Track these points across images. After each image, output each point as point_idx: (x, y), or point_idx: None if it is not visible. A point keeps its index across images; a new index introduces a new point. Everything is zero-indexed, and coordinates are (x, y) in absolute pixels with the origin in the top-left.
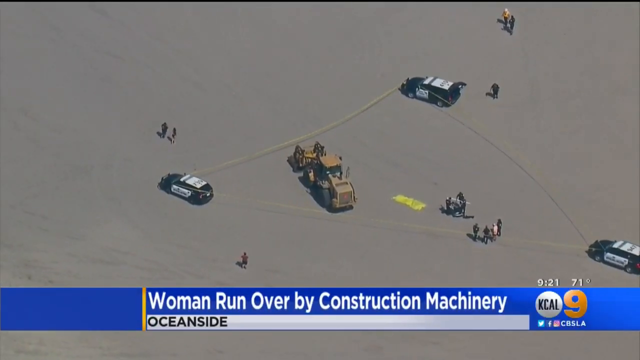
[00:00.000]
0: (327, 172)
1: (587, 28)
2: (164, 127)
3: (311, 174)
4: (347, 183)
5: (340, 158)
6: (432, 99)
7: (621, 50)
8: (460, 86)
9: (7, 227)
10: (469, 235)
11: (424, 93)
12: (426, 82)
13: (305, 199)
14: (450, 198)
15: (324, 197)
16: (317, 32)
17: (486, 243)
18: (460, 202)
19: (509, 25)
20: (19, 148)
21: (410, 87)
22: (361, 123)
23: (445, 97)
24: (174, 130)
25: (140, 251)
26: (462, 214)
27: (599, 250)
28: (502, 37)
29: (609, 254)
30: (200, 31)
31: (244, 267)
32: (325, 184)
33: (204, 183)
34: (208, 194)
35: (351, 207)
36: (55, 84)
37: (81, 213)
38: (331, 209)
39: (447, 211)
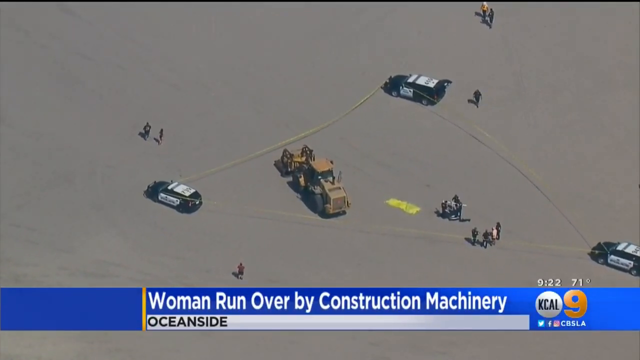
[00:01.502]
0: (319, 177)
1: (567, 20)
2: (147, 128)
3: (301, 179)
4: (340, 188)
5: (332, 162)
6: (416, 98)
7: (604, 42)
8: (445, 84)
9: None
10: (467, 239)
11: (408, 91)
12: (410, 80)
13: (296, 204)
14: (446, 201)
15: (316, 202)
16: (293, 29)
17: (485, 247)
18: (456, 205)
19: (487, 18)
20: None
21: (393, 85)
22: (346, 124)
23: (431, 96)
24: (161, 131)
25: (132, 263)
26: (458, 217)
27: (602, 252)
28: (481, 31)
29: (613, 257)
30: (171, 30)
31: (241, 277)
32: (318, 189)
33: (192, 191)
34: (197, 202)
35: (344, 212)
36: (28, 88)
37: (69, 224)
38: (324, 214)
39: (443, 214)
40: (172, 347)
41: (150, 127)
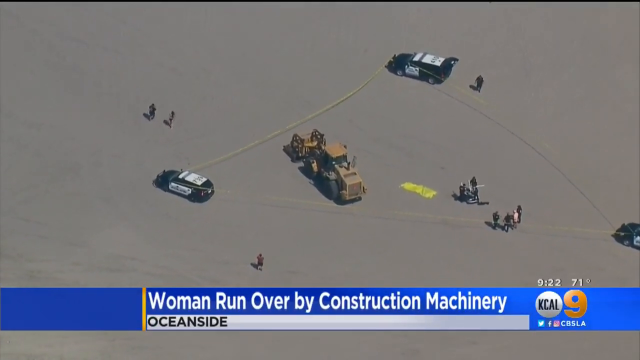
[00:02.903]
0: (333, 163)
1: None
2: (152, 109)
3: (314, 164)
4: (355, 173)
5: (345, 146)
6: (423, 76)
7: (607, 14)
8: (452, 62)
9: (2, 236)
10: (487, 223)
11: (414, 70)
12: (416, 58)
13: (309, 191)
14: (464, 184)
15: (331, 189)
16: (290, 8)
17: (507, 231)
18: (474, 188)
19: None
20: None
21: (398, 64)
22: (352, 105)
23: (438, 74)
24: (172, 113)
25: (148, 257)
26: (476, 200)
27: (628, 234)
28: (482, 5)
29: (639, 238)
30: (165, 12)
31: (260, 269)
32: (332, 175)
33: (204, 179)
34: (209, 191)
35: (360, 198)
36: (23, 76)
37: (78, 217)
38: (339, 201)
39: (461, 198)
40: (198, 344)
41: (155, 108)
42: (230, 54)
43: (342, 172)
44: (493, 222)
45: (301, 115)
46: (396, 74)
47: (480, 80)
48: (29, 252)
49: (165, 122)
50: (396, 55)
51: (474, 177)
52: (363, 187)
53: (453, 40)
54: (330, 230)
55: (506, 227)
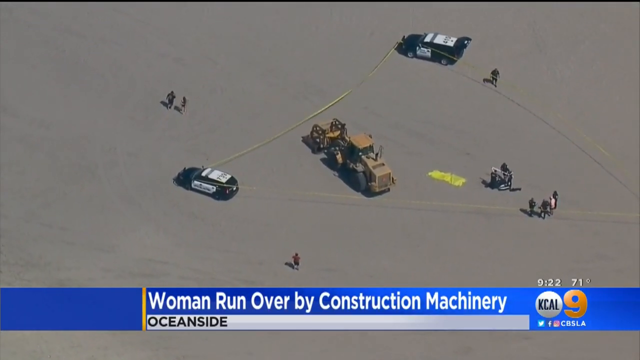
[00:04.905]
0: (360, 154)
1: None
2: (171, 97)
3: (338, 156)
4: (383, 164)
5: (371, 136)
6: (435, 57)
7: None
8: (466, 42)
9: (27, 244)
10: (522, 210)
11: (425, 51)
12: (427, 39)
13: (334, 183)
14: (495, 170)
15: (359, 181)
16: None
17: (544, 218)
18: (505, 175)
19: None
20: (9, 151)
21: (409, 45)
22: (367, 91)
23: (451, 55)
24: (184, 99)
25: (180, 260)
26: (508, 186)
27: None
28: None
29: None
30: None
31: (296, 268)
32: (360, 167)
33: (228, 176)
34: (234, 188)
35: (388, 190)
36: (24, 72)
37: (102, 221)
38: (368, 193)
39: (491, 184)
40: (244, 350)
41: (174, 96)
42: (233, 40)
43: (370, 163)
44: (529, 209)
45: (313, 103)
46: (407, 55)
47: (495, 73)
48: (56, 260)
49: (177, 108)
50: (405, 37)
51: (504, 163)
52: (392, 178)
53: (459, 18)
54: (362, 224)
55: (543, 214)
